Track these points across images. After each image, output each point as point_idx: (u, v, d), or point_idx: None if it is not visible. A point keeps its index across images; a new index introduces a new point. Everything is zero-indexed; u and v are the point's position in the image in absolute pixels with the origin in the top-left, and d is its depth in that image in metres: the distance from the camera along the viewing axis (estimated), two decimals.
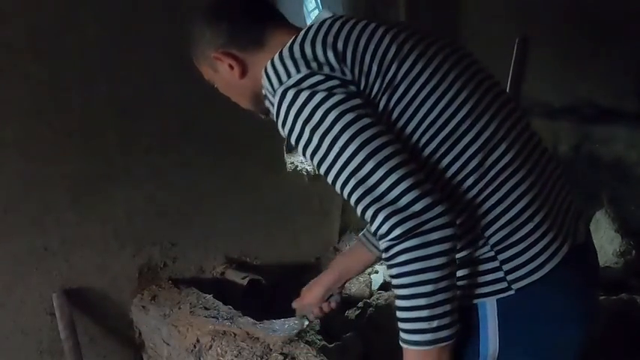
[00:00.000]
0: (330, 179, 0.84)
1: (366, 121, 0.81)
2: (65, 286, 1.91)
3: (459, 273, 0.89)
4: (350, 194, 0.82)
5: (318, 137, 0.82)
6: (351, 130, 0.80)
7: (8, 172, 1.76)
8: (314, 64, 0.85)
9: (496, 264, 0.88)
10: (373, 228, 0.80)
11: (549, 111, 2.93)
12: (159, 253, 2.12)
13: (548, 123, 2.92)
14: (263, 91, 0.92)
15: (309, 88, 0.83)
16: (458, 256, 0.88)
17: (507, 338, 0.89)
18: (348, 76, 0.85)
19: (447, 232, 0.77)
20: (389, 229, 0.77)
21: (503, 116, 0.91)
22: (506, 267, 0.87)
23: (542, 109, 2.92)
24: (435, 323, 0.78)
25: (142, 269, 2.08)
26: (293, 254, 2.54)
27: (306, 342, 1.71)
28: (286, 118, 0.85)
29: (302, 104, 0.83)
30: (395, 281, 0.79)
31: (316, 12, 3.09)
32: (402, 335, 0.81)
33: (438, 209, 0.77)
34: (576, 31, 2.71)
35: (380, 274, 2.61)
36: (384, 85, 0.86)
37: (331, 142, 0.81)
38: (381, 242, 0.79)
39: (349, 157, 0.80)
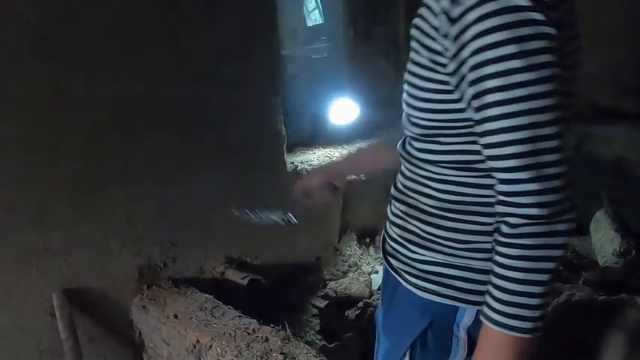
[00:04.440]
0: (495, 112, 0.72)
1: (559, 87, 0.73)
2: (65, 286, 1.91)
3: (456, 273, 0.89)
4: (510, 143, 0.72)
5: (522, 65, 0.70)
6: (553, 85, 0.71)
7: (8, 172, 1.76)
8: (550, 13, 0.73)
9: (489, 278, 0.87)
10: (513, 190, 0.73)
11: None
12: (159, 253, 2.12)
13: None
14: None
15: (541, 20, 0.71)
16: (462, 261, 0.89)
17: (475, 347, 0.90)
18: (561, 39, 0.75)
19: (572, 225, 0.74)
20: (535, 203, 0.72)
21: None
22: None
23: None
24: (537, 313, 0.75)
25: (142, 269, 2.08)
26: (293, 254, 2.54)
27: (306, 342, 1.71)
28: (489, 32, 0.71)
29: (523, 25, 0.70)
30: (511, 262, 0.74)
31: (316, 12, 3.09)
32: (497, 317, 0.76)
33: (571, 202, 0.74)
34: None
35: (380, 274, 2.61)
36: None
37: (534, 80, 0.70)
38: (510, 217, 0.74)
39: (542, 107, 0.71)
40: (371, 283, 2.56)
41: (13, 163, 1.77)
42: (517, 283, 0.74)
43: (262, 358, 1.56)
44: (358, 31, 2.85)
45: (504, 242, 0.75)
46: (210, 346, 1.68)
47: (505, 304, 0.76)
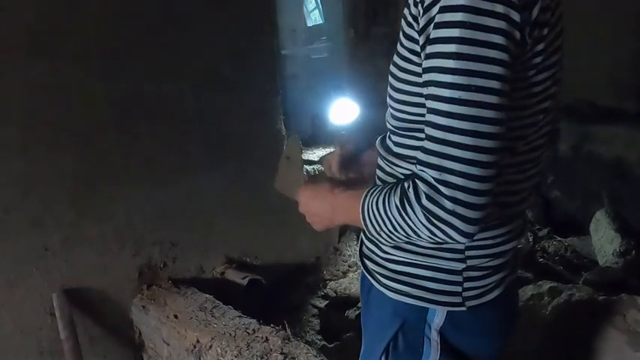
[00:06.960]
0: (443, 107, 0.70)
1: (508, 93, 0.71)
2: (65, 286, 1.91)
3: (426, 273, 0.89)
4: (452, 131, 0.70)
5: (471, 62, 0.68)
6: (504, 85, 0.69)
7: (8, 172, 1.76)
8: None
9: (459, 279, 0.88)
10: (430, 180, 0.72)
11: None
12: (159, 253, 2.12)
13: None
14: None
15: (503, 17, 0.68)
16: (432, 261, 0.88)
17: (448, 349, 0.90)
18: (527, 44, 0.72)
19: (463, 239, 0.73)
20: (442, 196, 0.71)
21: None
22: (466, 285, 0.88)
23: None
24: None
25: (142, 269, 2.08)
26: (293, 254, 2.54)
27: (306, 342, 1.71)
28: (451, 25, 0.69)
29: (483, 17, 0.68)
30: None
31: (316, 12, 3.09)
32: (366, 218, 0.82)
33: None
34: (576, 30, 2.71)
35: None
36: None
37: (482, 75, 0.68)
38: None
39: (490, 105, 0.69)
40: None
41: (13, 163, 1.77)
42: (387, 224, 0.79)
43: (262, 358, 1.56)
44: (358, 31, 2.86)
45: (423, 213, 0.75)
46: (210, 346, 1.68)
47: (376, 222, 0.80)
